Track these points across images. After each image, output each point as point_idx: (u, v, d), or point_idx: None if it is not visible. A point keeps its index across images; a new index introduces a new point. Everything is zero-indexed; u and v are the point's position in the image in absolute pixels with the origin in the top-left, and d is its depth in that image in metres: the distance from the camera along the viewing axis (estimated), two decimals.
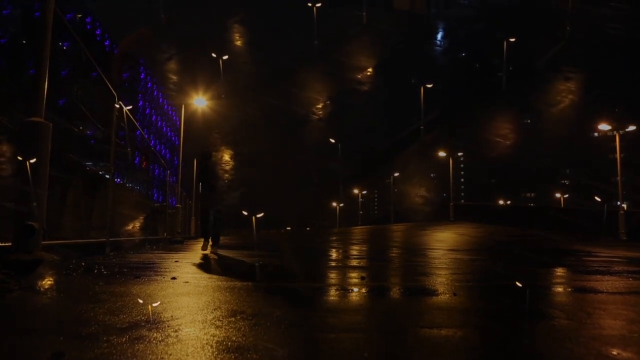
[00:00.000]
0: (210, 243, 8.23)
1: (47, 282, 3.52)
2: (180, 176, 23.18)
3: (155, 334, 1.98)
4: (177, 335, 1.96)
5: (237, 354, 1.70)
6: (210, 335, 1.98)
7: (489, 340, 2.09)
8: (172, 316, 2.38)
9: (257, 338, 1.96)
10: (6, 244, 4.17)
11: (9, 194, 4.39)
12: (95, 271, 4.53)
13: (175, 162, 21.70)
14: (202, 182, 8.63)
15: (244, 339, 1.93)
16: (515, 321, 2.53)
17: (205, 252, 7.93)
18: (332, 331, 2.15)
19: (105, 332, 2.02)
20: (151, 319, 2.29)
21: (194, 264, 6.08)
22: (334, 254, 9.62)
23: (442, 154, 41.53)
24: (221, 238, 9.24)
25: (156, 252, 9.21)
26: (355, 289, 3.73)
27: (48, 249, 4.51)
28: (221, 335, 1.99)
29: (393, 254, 9.93)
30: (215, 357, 1.67)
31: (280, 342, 1.91)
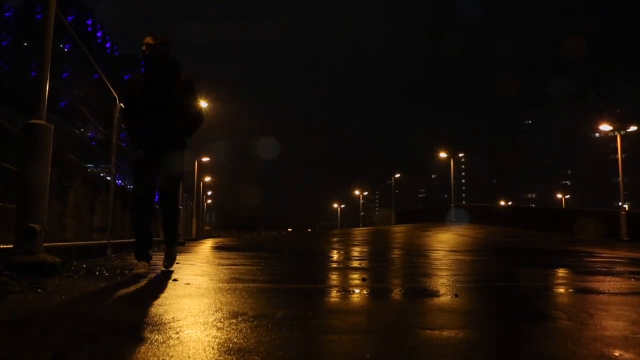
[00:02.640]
0: (163, 261, 4.92)
1: (49, 283, 3.52)
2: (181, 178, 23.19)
3: (156, 336, 1.98)
4: (178, 337, 1.96)
5: (238, 356, 1.70)
6: (212, 337, 1.98)
7: (490, 342, 2.09)
8: (173, 318, 2.38)
9: (258, 339, 1.96)
10: (8, 246, 4.17)
11: (11, 196, 4.39)
12: (97, 273, 4.53)
13: None
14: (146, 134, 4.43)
15: (245, 340, 1.93)
16: (517, 322, 2.52)
17: (141, 272, 4.31)
18: (334, 332, 2.15)
19: (107, 333, 2.02)
20: (152, 321, 2.29)
21: (195, 266, 6.09)
22: (335, 256, 9.62)
23: (443, 154, 41.52)
24: (220, 239, 8.70)
25: (157, 253, 9.22)
26: (357, 291, 3.73)
27: (49, 250, 4.51)
28: (222, 336, 1.99)
29: (394, 255, 9.93)
30: (216, 359, 1.67)
31: (282, 343, 1.91)
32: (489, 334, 2.26)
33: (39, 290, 3.22)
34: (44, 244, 4.27)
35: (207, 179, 41.81)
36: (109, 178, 8.55)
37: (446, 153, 41.01)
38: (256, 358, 1.68)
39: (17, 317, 2.39)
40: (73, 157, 6.74)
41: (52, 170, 4.46)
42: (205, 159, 35.42)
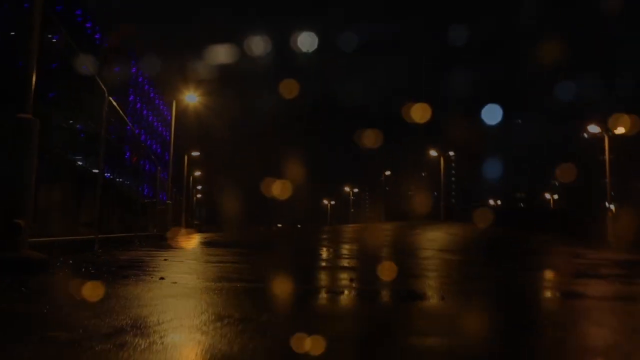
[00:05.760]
0: None
1: (33, 282, 3.48)
2: (171, 172, 23.07)
3: (140, 340, 1.96)
4: (162, 342, 1.95)
5: None
6: (196, 342, 1.97)
7: (472, 349, 2.10)
8: (158, 320, 2.36)
9: (242, 345, 1.95)
10: None
11: None
12: (83, 270, 4.49)
13: (167, 157, 21.63)
14: None
15: (229, 346, 1.92)
16: (501, 328, 2.54)
17: None
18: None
19: (90, 337, 2.00)
20: (137, 324, 2.27)
21: (183, 263, 6.06)
22: (324, 254, 9.63)
23: (433, 153, 41.63)
24: (209, 234, 8.27)
25: (145, 249, 9.16)
26: (344, 292, 3.73)
27: (35, 246, 4.46)
28: (207, 342, 1.98)
29: (383, 255, 9.95)
30: None
31: (265, 350, 1.91)
32: (472, 340, 2.27)
33: (23, 289, 3.18)
34: (30, 239, 4.22)
35: (197, 173, 41.54)
36: (96, 171, 8.49)
37: (437, 152, 41.16)
38: None
39: None
40: (60, 150, 6.67)
41: (38, 164, 4.40)
42: (195, 153, 35.22)
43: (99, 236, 7.74)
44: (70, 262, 5.11)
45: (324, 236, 20.75)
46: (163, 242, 13.35)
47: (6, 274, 3.63)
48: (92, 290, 3.29)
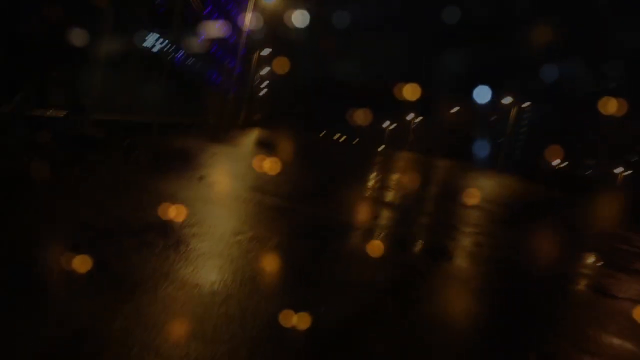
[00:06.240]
0: None
1: (88, 160, 3.79)
2: (239, 63, 23.14)
3: (161, 241, 2.18)
4: (177, 247, 2.15)
5: (221, 285, 1.86)
6: (202, 253, 2.17)
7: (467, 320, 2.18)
8: (182, 224, 2.57)
9: (243, 264, 2.12)
10: (59, 115, 4.42)
11: (66, 71, 4.56)
12: (134, 155, 4.77)
13: (237, 47, 21.53)
14: None
15: (231, 262, 2.09)
16: (510, 321, 2.59)
17: None
18: (311, 284, 2.27)
19: (120, 230, 2.23)
20: (164, 223, 2.49)
21: (228, 161, 6.27)
22: (370, 182, 9.63)
23: (507, 99, 39.24)
24: (265, 133, 8.43)
25: (199, 139, 9.51)
26: (374, 234, 3.77)
27: (98, 124, 4.76)
28: (213, 253, 2.17)
29: (427, 194, 9.87)
30: (205, 280, 1.84)
31: (267, 270, 2.07)
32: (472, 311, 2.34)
33: (77, 166, 3.48)
34: (93, 117, 4.50)
35: (265, 70, 41.41)
36: (166, 53, 8.64)
37: (512, 98, 38.81)
38: (240, 279, 1.84)
39: (48, 193, 2.63)
40: (133, 28, 6.79)
41: (106, 44, 4.57)
42: (266, 50, 34.97)
43: (158, 120, 8.05)
44: (126, 144, 5.40)
45: (378, 159, 20.68)
46: (218, 134, 13.78)
47: (67, 148, 3.95)
48: (135, 179, 3.56)
